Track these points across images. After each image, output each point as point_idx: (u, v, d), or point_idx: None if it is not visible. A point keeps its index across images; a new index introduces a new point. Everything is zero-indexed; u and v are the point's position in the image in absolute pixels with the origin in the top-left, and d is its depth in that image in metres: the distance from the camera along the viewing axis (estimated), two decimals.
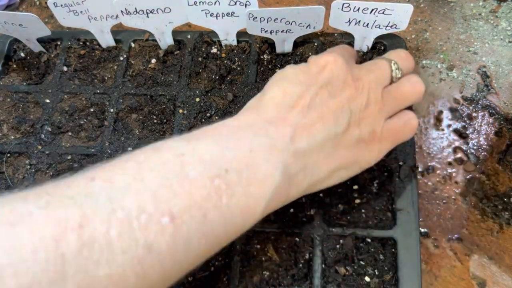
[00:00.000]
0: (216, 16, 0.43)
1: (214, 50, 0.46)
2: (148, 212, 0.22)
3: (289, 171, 0.28)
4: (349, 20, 0.41)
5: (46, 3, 0.44)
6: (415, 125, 0.35)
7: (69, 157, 0.43)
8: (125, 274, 0.21)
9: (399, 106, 0.35)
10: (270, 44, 0.46)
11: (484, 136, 0.43)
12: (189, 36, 0.47)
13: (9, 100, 0.46)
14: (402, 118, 0.35)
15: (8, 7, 0.55)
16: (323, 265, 0.37)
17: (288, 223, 0.38)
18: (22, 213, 0.20)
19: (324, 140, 0.30)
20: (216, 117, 0.43)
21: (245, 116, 0.31)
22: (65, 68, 0.47)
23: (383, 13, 0.40)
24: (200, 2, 0.41)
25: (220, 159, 0.26)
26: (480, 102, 0.45)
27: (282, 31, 0.43)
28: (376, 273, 0.36)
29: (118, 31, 0.48)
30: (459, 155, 0.43)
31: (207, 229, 0.24)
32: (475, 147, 0.43)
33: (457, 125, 0.44)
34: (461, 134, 0.43)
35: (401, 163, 0.40)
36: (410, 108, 0.36)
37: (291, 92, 0.31)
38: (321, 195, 0.39)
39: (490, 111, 0.44)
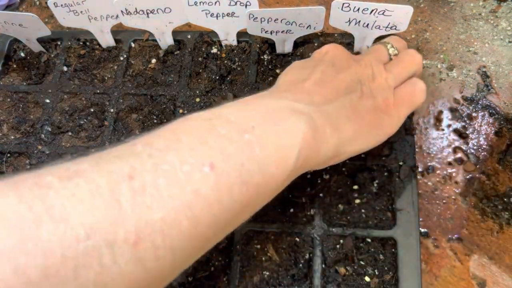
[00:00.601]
0: (216, 16, 0.43)
1: (214, 50, 0.46)
2: (190, 163, 0.24)
3: (314, 122, 0.30)
4: (349, 20, 0.41)
5: (46, 3, 0.44)
6: (423, 87, 0.36)
7: (69, 157, 0.43)
8: (178, 218, 0.23)
9: (403, 74, 0.37)
10: (270, 44, 0.46)
11: (484, 136, 0.43)
12: (189, 36, 0.47)
13: (9, 100, 0.46)
14: (409, 83, 0.36)
15: (8, 7, 0.55)
16: (323, 265, 0.37)
17: (288, 223, 0.38)
18: (77, 170, 0.22)
19: (342, 103, 0.32)
20: None
21: (262, 93, 0.33)
22: (65, 68, 0.47)
23: (383, 14, 0.40)
24: (200, 2, 0.41)
25: (245, 119, 0.28)
26: (480, 102, 0.45)
27: (282, 32, 0.43)
28: (376, 273, 0.36)
29: (118, 31, 0.48)
30: (459, 155, 0.43)
31: (246, 177, 0.26)
32: (475, 147, 0.43)
33: (457, 125, 0.44)
34: (461, 134, 0.43)
35: (401, 163, 0.40)
36: None
37: (300, 73, 0.34)
38: (321, 195, 0.39)
39: (490, 111, 0.44)
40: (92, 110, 0.45)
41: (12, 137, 0.44)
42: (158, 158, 0.24)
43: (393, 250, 0.37)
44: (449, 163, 0.42)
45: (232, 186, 0.25)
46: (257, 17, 0.40)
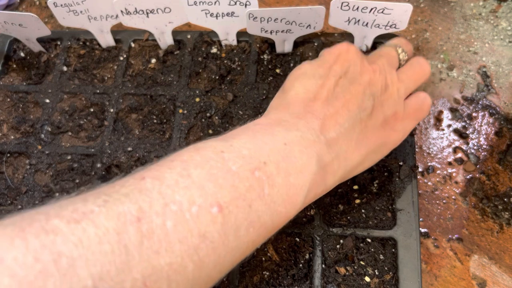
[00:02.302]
0: (216, 16, 0.43)
1: (214, 50, 0.46)
2: (198, 204, 0.24)
3: (323, 160, 0.30)
4: (349, 19, 0.41)
5: (46, 3, 0.44)
6: (430, 102, 0.37)
7: (69, 157, 0.43)
8: (184, 263, 0.23)
9: (413, 86, 0.36)
10: (270, 44, 0.46)
11: (484, 136, 0.43)
12: (189, 36, 0.47)
13: (9, 100, 0.46)
14: (417, 97, 0.36)
15: (8, 7, 0.55)
16: (323, 265, 0.37)
17: (288, 223, 0.38)
18: (84, 211, 0.22)
19: (352, 126, 0.32)
20: (216, 117, 0.43)
21: (274, 114, 0.32)
22: (65, 68, 0.47)
23: (382, 12, 0.40)
24: (200, 2, 0.41)
25: (257, 153, 0.27)
26: (480, 102, 0.45)
27: (282, 31, 0.43)
28: (376, 273, 0.36)
29: (118, 31, 0.48)
30: (459, 155, 0.43)
31: (253, 218, 0.26)
32: (475, 147, 0.43)
33: (457, 125, 0.44)
34: (461, 134, 0.43)
35: (401, 163, 0.40)
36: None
37: (312, 86, 0.33)
38: None
39: (490, 111, 0.44)
40: (92, 110, 0.45)
41: (12, 137, 0.44)
42: (167, 197, 0.24)
43: (393, 250, 0.37)
44: (449, 163, 0.42)
45: (239, 227, 0.25)
46: (256, 17, 0.40)
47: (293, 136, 0.29)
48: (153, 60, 0.47)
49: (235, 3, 0.41)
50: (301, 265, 0.37)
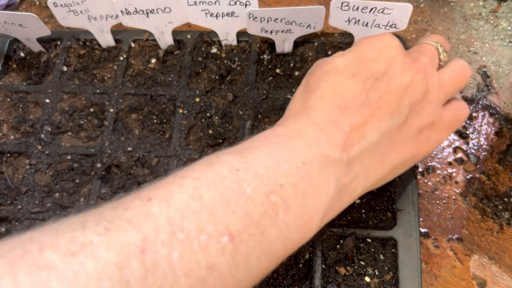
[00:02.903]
0: (216, 16, 0.43)
1: (214, 50, 0.46)
2: (207, 232, 0.22)
3: (342, 182, 0.28)
4: (349, 19, 0.41)
5: (46, 3, 0.44)
6: (468, 112, 0.33)
7: (69, 157, 0.43)
8: None
9: (454, 91, 0.33)
10: (270, 44, 0.46)
11: (484, 136, 0.43)
12: (189, 36, 0.47)
13: (8, 100, 0.46)
14: (456, 106, 0.32)
15: (8, 6, 0.55)
16: (323, 265, 0.37)
17: None
18: (83, 242, 0.20)
19: (380, 139, 0.28)
20: (216, 117, 0.43)
21: (294, 121, 0.29)
22: (65, 68, 0.47)
23: (382, 12, 0.40)
24: (200, 2, 0.41)
25: (274, 173, 0.25)
26: (481, 102, 0.45)
27: (282, 31, 0.43)
28: (376, 273, 0.36)
29: (118, 31, 0.48)
30: (459, 155, 0.43)
31: (265, 246, 0.24)
32: (475, 147, 0.43)
33: None
34: (461, 134, 0.43)
35: None
36: None
37: (342, 88, 0.28)
38: None
39: (491, 111, 0.44)
40: (92, 110, 0.45)
41: (12, 137, 0.44)
42: (175, 223, 0.22)
43: (393, 250, 0.37)
44: (449, 163, 0.42)
45: (249, 256, 0.23)
46: (256, 17, 0.40)
47: (313, 154, 0.27)
48: (153, 60, 0.47)
49: (235, 3, 0.41)
50: (301, 265, 0.37)
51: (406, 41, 0.46)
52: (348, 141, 0.27)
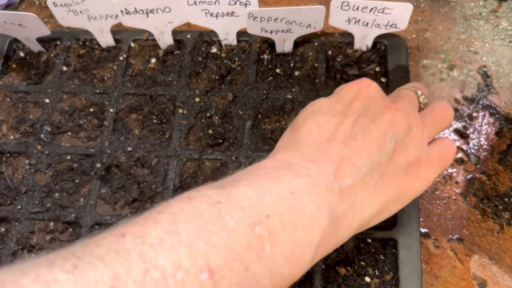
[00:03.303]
0: (216, 16, 0.43)
1: (214, 50, 0.46)
2: (184, 269, 0.20)
3: (336, 212, 0.26)
4: (349, 19, 0.41)
5: (45, 3, 0.44)
6: (455, 150, 0.33)
7: (68, 157, 0.43)
8: None
9: (437, 129, 0.34)
10: (270, 44, 0.46)
11: (484, 136, 0.43)
12: (189, 36, 0.47)
13: (8, 100, 0.46)
14: (442, 143, 0.33)
15: (7, 6, 0.55)
16: (323, 265, 0.37)
17: None
18: (47, 280, 0.18)
19: (370, 171, 0.28)
20: (216, 117, 0.43)
21: (281, 155, 0.28)
22: (64, 68, 0.47)
23: (382, 12, 0.40)
24: (200, 2, 0.41)
25: (259, 204, 0.24)
26: (481, 102, 0.45)
27: (282, 31, 0.42)
28: (377, 273, 0.36)
29: (117, 31, 0.47)
30: (460, 155, 0.43)
31: (250, 283, 0.22)
32: (475, 147, 0.43)
33: (458, 125, 0.44)
34: (462, 134, 0.43)
35: None
36: None
37: (328, 123, 0.29)
38: None
39: (491, 111, 0.44)
40: (91, 110, 0.45)
41: (12, 137, 0.44)
42: (149, 260, 0.20)
43: (393, 250, 0.37)
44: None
45: None
46: (256, 17, 0.40)
47: (302, 183, 0.26)
48: (153, 60, 0.47)
49: (235, 3, 0.41)
50: None
51: (406, 41, 0.46)
52: (339, 170, 0.27)
